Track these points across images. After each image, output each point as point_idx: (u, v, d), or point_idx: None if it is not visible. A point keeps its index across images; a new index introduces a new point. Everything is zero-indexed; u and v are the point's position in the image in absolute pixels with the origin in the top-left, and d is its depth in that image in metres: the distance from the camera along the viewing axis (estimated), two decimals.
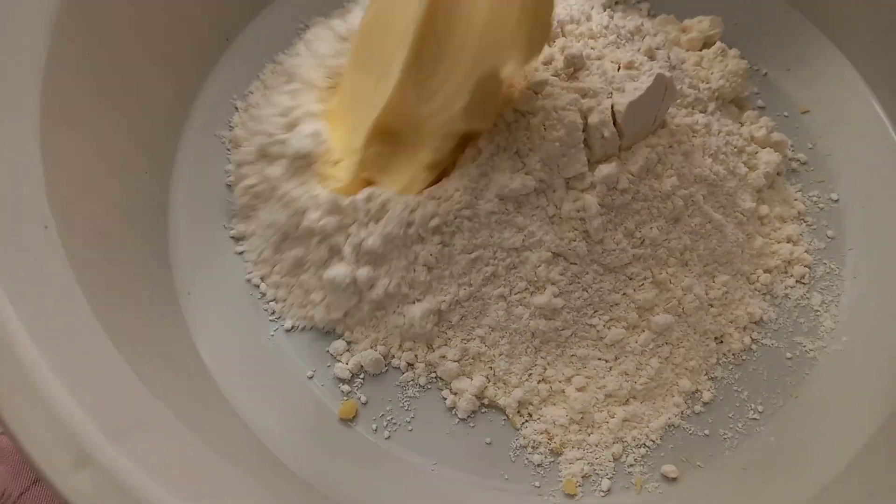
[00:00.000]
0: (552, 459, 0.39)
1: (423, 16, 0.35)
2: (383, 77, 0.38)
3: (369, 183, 0.41)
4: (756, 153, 0.46)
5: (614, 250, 0.39)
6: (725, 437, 0.39)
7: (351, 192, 0.40)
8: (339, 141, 0.42)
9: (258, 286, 0.42)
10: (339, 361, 0.41)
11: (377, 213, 0.39)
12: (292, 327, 0.42)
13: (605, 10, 0.43)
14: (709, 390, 0.41)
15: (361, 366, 0.41)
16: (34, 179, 0.33)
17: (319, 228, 0.40)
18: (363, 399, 0.40)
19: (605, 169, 0.37)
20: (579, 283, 0.39)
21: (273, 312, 0.42)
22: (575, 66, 0.38)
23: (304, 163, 0.42)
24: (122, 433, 0.28)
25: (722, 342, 0.42)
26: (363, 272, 0.39)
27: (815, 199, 0.46)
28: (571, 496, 0.37)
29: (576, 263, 0.39)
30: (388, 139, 0.40)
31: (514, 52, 0.35)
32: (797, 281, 0.44)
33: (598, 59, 0.39)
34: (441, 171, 0.40)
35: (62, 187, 0.34)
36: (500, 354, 0.40)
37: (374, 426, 0.39)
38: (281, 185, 0.42)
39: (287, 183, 0.42)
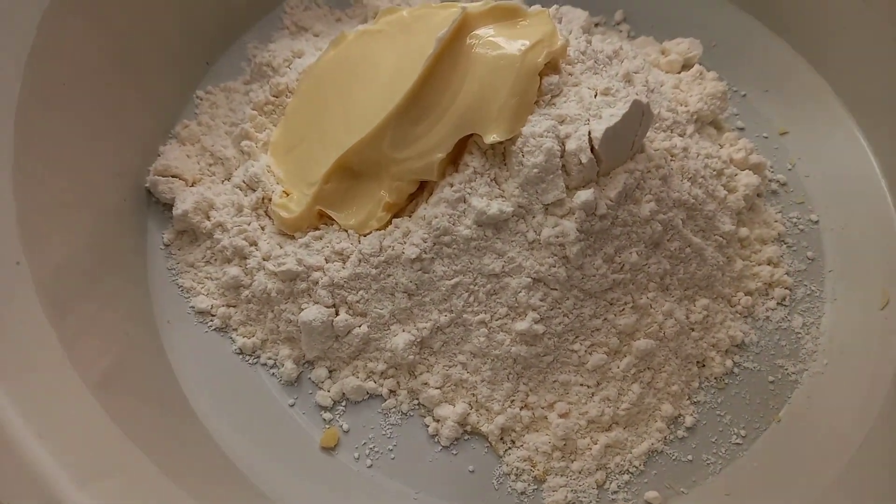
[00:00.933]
0: (535, 487, 0.38)
1: (420, 77, 0.37)
2: (357, 119, 0.39)
3: (322, 215, 0.41)
4: (735, 175, 0.46)
5: (594, 276, 0.39)
6: (708, 462, 0.39)
7: (303, 223, 0.41)
8: (286, 173, 0.42)
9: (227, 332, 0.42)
10: (321, 389, 0.41)
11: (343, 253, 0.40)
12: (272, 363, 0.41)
13: (583, 35, 0.43)
14: (691, 415, 0.40)
15: (343, 393, 0.40)
16: (6, 215, 0.32)
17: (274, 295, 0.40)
18: (345, 427, 0.40)
19: (583, 195, 0.37)
20: (560, 308, 0.39)
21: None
22: (552, 92, 0.38)
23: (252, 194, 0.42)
24: (91, 478, 0.27)
25: (704, 366, 0.42)
26: (340, 319, 0.39)
27: (794, 220, 0.46)
28: None
29: (556, 289, 0.39)
30: (348, 176, 0.41)
31: (500, 124, 0.37)
32: (778, 303, 0.44)
33: (575, 85, 0.39)
34: (396, 212, 0.40)
35: (37, 221, 0.34)
36: (482, 381, 0.40)
37: (356, 455, 0.39)
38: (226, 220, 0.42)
39: (234, 217, 0.42)
